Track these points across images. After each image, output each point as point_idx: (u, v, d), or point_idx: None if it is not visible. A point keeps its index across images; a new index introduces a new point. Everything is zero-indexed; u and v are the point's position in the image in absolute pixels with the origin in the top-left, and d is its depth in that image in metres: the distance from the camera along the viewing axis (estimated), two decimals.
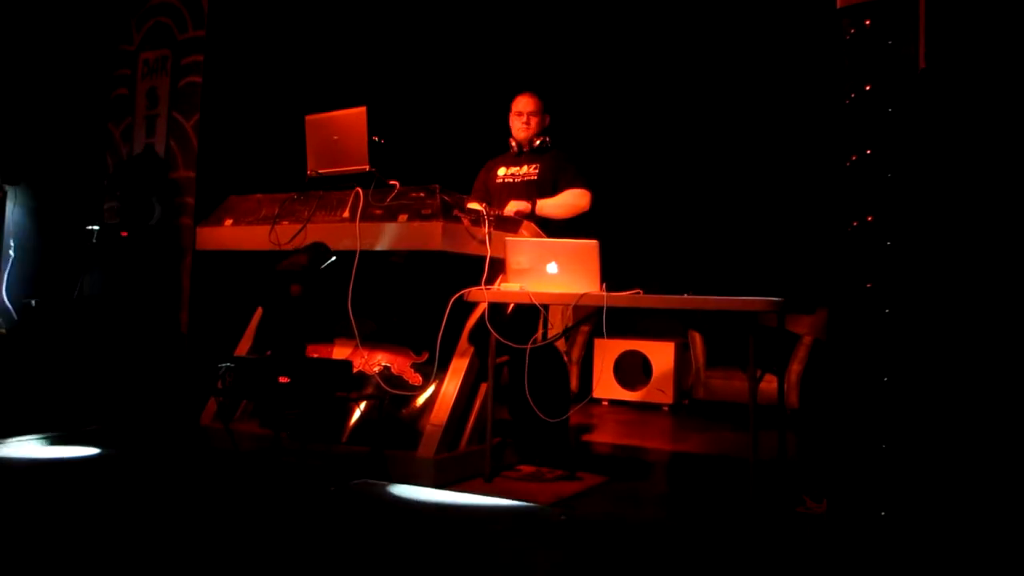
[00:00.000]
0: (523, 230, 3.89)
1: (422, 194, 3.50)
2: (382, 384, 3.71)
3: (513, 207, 4.02)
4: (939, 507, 2.75)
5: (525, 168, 4.20)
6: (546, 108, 4.26)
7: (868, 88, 2.84)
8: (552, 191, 4.10)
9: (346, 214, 3.61)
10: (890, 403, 2.75)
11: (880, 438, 2.75)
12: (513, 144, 4.26)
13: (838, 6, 2.99)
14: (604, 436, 5.01)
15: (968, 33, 2.93)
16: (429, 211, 3.40)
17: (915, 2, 2.85)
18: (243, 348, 4.15)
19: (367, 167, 3.69)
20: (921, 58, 2.84)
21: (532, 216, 4.02)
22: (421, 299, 3.82)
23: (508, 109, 4.29)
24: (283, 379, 3.23)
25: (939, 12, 2.89)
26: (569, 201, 4.07)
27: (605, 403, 6.29)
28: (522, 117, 4.20)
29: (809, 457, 3.98)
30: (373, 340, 3.93)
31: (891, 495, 2.71)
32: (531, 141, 4.21)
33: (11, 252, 5.49)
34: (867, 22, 2.86)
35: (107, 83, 6.25)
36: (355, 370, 3.65)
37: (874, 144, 2.81)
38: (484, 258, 3.55)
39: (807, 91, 5.07)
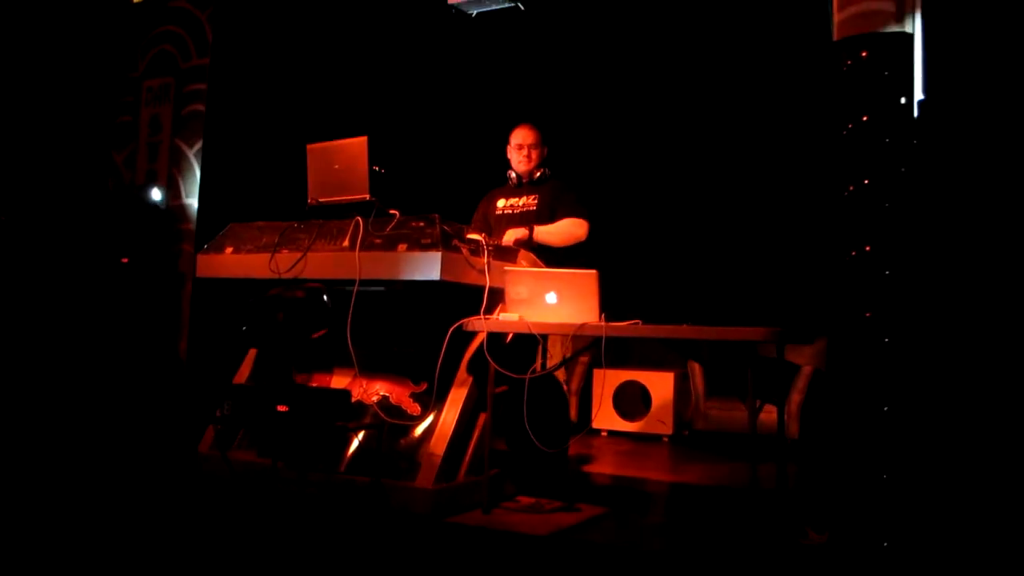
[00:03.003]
0: (521, 260, 3.90)
1: (422, 224, 3.50)
2: (380, 414, 3.69)
3: (511, 235, 4.02)
4: (941, 537, 2.72)
5: (524, 199, 4.21)
6: (544, 138, 4.28)
7: (865, 119, 2.85)
8: (551, 221, 4.11)
9: (346, 243, 3.61)
10: (891, 433, 2.74)
11: (881, 468, 2.74)
12: (512, 176, 4.27)
13: (835, 38, 3.02)
14: (603, 467, 4.98)
15: (965, 64, 2.96)
16: (429, 241, 3.40)
17: (911, 34, 2.88)
18: (242, 376, 4.14)
19: (367, 196, 3.70)
20: (918, 89, 2.86)
21: (530, 243, 4.02)
22: (420, 328, 3.82)
23: (507, 139, 4.31)
24: (281, 408, 3.22)
25: (936, 43, 2.92)
26: (567, 229, 4.07)
27: (604, 433, 6.26)
28: (523, 150, 4.21)
29: (811, 488, 3.96)
30: (372, 369, 3.92)
31: (893, 525, 2.69)
32: (531, 173, 4.22)
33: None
34: (864, 54, 2.88)
35: (111, 110, 6.29)
36: (354, 399, 3.64)
37: (872, 174, 2.82)
38: (483, 288, 3.56)
39: (805, 121, 5.09)
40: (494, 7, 4.74)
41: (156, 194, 5.72)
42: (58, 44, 5.93)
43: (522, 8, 4.68)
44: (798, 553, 3.02)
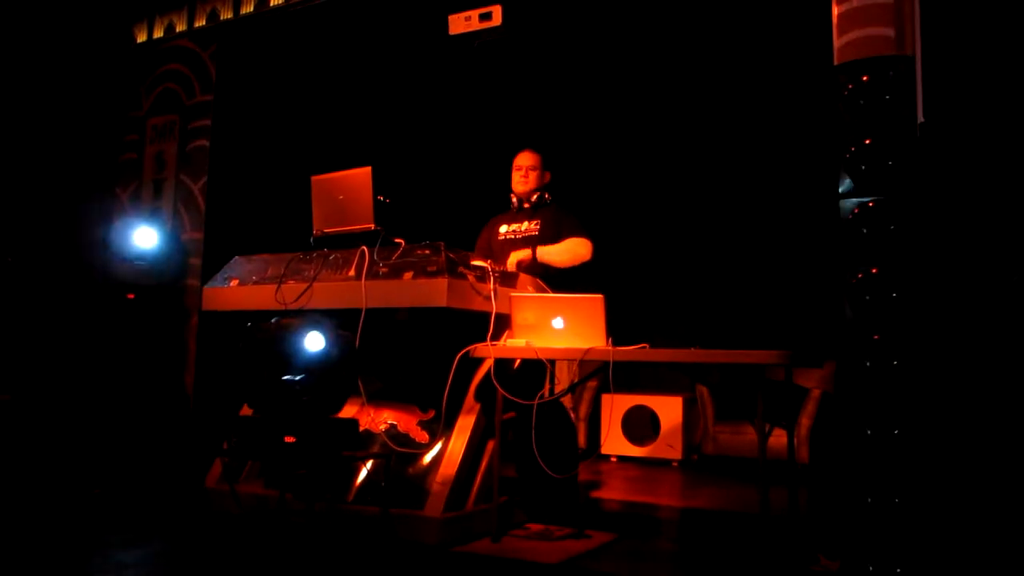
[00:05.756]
0: (528, 285, 3.90)
1: (427, 251, 3.52)
2: (388, 442, 3.68)
3: (514, 257, 4.03)
4: (954, 562, 2.70)
5: (526, 224, 4.22)
6: (549, 166, 4.29)
7: (868, 142, 2.87)
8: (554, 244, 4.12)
9: (352, 272, 3.62)
10: (901, 456, 2.72)
11: (893, 492, 2.71)
12: (513, 200, 4.29)
13: (835, 63, 3.04)
14: (613, 493, 4.94)
15: (965, 86, 2.98)
16: (434, 268, 3.41)
17: (911, 57, 2.90)
18: (248, 408, 4.13)
19: (372, 226, 3.71)
20: (919, 111, 2.87)
21: (534, 264, 4.02)
22: (427, 356, 3.82)
23: (510, 166, 4.33)
24: (289, 439, 3.21)
25: (936, 66, 2.94)
26: (570, 249, 4.07)
27: (613, 459, 6.22)
28: (521, 171, 4.23)
29: (822, 513, 3.92)
30: (379, 398, 3.91)
31: (906, 551, 2.67)
32: (530, 196, 4.23)
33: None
34: (864, 78, 2.90)
35: (116, 148, 6.34)
36: (361, 428, 3.63)
37: (876, 196, 2.83)
38: (490, 314, 3.56)
39: (811, 143, 5.12)
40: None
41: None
42: (62, 86, 5.99)
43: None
44: None
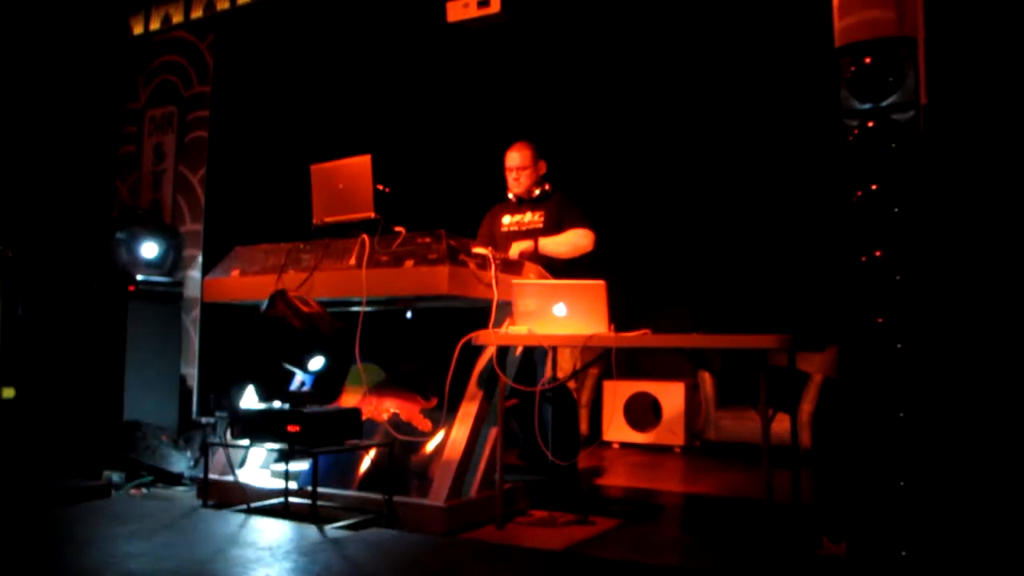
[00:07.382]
0: (529, 272, 3.89)
1: (428, 239, 3.51)
2: (391, 431, 3.68)
3: (517, 248, 4.02)
4: (960, 545, 2.70)
5: (530, 216, 4.20)
6: (546, 151, 4.25)
7: (871, 125, 2.85)
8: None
9: (352, 261, 3.62)
10: (906, 440, 2.71)
11: (898, 475, 2.71)
12: (511, 196, 4.27)
13: (836, 45, 3.02)
14: (616, 479, 4.96)
15: (969, 67, 2.96)
16: (435, 256, 3.41)
17: (914, 39, 2.88)
18: (251, 399, 4.12)
19: (373, 214, 3.70)
20: (923, 93, 2.86)
21: (536, 255, 4.01)
22: (429, 344, 3.81)
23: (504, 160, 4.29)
24: (292, 428, 3.21)
25: (939, 48, 2.92)
26: (572, 240, 4.05)
27: (616, 445, 6.23)
28: (511, 172, 4.20)
29: (826, 497, 3.92)
30: (382, 387, 3.91)
31: (911, 534, 2.66)
32: (530, 192, 4.21)
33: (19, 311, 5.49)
34: (867, 60, 2.88)
35: (114, 141, 6.32)
36: (364, 417, 3.63)
37: (880, 179, 2.81)
38: (491, 301, 3.55)
39: (813, 125, 5.11)
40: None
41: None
42: (59, 79, 5.96)
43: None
44: (814, 563, 2.99)
